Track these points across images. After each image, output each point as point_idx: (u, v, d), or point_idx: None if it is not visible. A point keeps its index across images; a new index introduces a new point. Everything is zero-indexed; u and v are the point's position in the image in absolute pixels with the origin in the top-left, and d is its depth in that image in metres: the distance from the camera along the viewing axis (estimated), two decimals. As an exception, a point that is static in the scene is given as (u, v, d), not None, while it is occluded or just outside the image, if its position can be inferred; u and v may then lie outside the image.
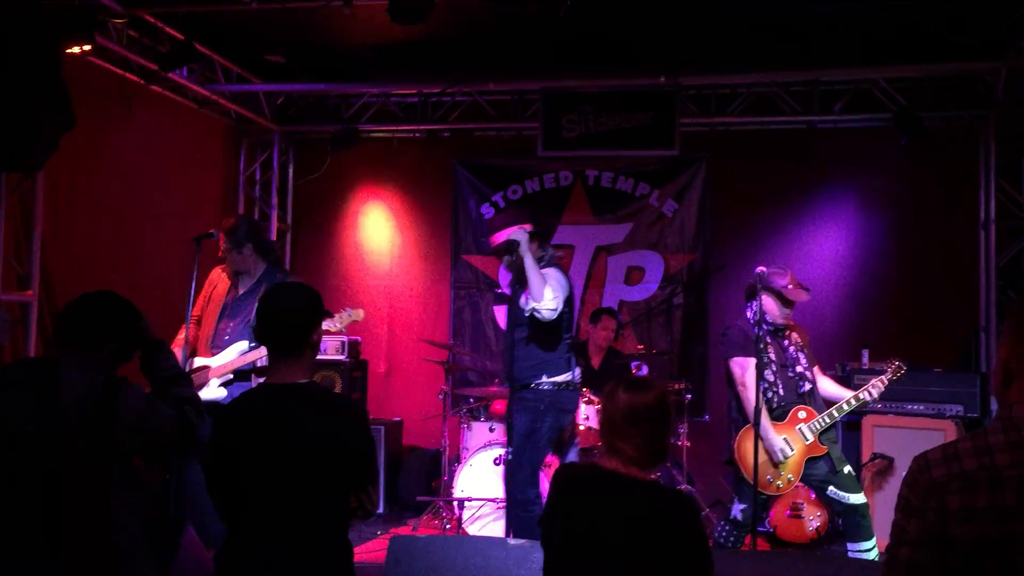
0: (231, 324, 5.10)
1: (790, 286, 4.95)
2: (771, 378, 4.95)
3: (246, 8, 6.08)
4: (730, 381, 5.05)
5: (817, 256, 7.75)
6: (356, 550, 2.86)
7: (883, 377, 4.94)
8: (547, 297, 4.80)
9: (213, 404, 4.87)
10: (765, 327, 4.98)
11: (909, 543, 1.91)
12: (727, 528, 5.02)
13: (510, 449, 4.96)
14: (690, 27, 6.62)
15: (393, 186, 8.71)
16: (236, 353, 5.04)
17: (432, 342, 7.52)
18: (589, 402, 6.24)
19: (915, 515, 1.91)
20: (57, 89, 5.00)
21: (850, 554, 4.91)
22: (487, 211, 8.37)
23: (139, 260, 6.77)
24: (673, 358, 7.80)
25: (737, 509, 5.01)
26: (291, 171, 8.75)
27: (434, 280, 8.60)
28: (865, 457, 6.33)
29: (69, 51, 5.57)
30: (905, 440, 6.20)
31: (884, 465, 6.29)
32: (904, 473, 1.99)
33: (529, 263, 4.82)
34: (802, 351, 5.08)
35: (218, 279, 5.28)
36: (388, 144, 8.56)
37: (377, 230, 8.74)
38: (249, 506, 2.59)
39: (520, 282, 4.89)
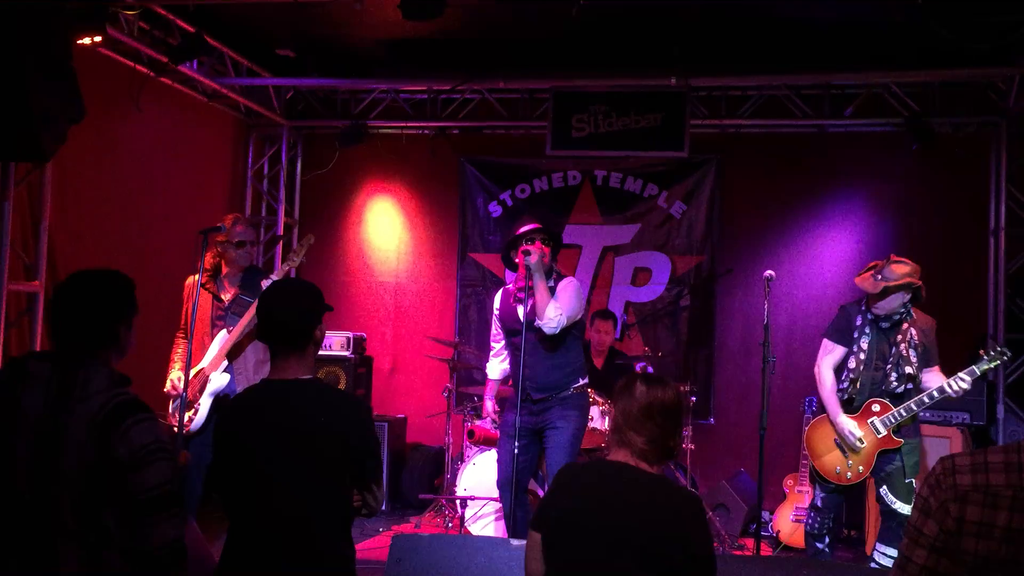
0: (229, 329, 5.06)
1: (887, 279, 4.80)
2: (852, 374, 4.95)
3: (257, 1, 6.07)
4: None
5: (825, 260, 7.74)
6: (358, 547, 2.84)
7: (975, 367, 4.78)
8: (548, 315, 4.93)
9: (224, 395, 4.96)
10: (870, 316, 4.94)
11: (925, 546, 1.85)
12: (811, 515, 5.10)
13: (517, 445, 4.93)
14: (701, 28, 6.60)
15: (401, 183, 8.69)
16: (219, 343, 5.04)
17: (437, 339, 7.51)
18: (593, 402, 6.21)
19: (933, 517, 1.85)
20: (67, 80, 5.00)
21: (875, 554, 4.98)
22: (495, 209, 8.36)
23: (146, 252, 6.76)
24: (678, 360, 7.78)
25: (818, 496, 5.11)
26: (299, 166, 8.74)
27: (440, 277, 8.58)
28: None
29: (80, 42, 5.56)
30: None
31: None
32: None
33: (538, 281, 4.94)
34: (916, 348, 4.90)
35: (194, 289, 5.03)
36: (396, 141, 8.54)
37: (384, 226, 8.73)
38: (252, 502, 2.57)
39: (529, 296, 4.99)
